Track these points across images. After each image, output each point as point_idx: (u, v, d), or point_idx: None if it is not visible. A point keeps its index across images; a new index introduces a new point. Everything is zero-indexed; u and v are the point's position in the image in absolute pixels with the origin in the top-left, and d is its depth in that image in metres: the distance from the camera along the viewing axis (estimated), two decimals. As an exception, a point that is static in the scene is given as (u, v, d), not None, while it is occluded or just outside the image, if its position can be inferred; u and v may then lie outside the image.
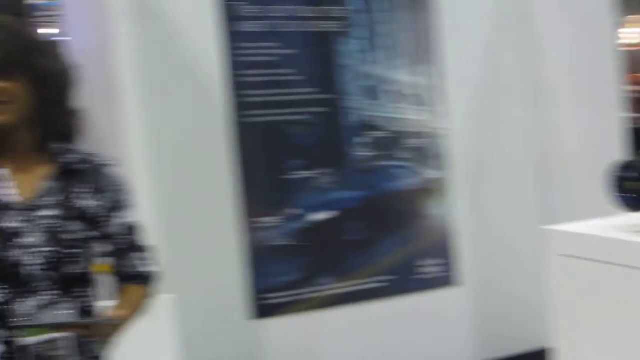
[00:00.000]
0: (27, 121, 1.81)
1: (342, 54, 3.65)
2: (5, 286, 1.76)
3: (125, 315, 1.84)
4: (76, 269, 1.82)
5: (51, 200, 1.83)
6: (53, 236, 1.79)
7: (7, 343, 1.78)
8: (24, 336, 1.76)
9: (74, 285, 1.83)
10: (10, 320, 1.77)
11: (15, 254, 1.74)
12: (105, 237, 1.88)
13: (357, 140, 3.72)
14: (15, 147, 1.83)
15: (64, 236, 1.81)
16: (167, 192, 3.30)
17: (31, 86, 1.80)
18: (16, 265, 1.74)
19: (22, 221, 1.78)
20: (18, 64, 1.79)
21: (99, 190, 1.89)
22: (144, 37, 3.14)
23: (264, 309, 3.61)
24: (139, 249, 1.95)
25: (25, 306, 1.79)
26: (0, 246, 1.73)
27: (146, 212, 3.14)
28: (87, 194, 1.87)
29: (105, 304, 1.90)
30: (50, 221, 1.80)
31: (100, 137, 3.33)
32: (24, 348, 1.77)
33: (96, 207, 1.87)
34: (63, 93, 1.86)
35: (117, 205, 1.91)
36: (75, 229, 1.83)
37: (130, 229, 1.94)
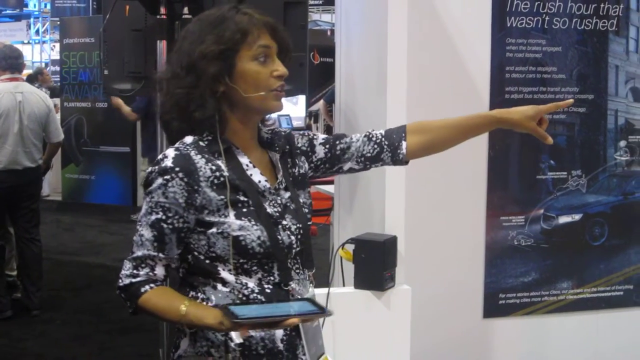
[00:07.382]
0: None
1: (611, 53, 3.51)
2: (275, 270, 1.74)
3: None
4: (309, 242, 1.81)
5: (284, 179, 1.82)
6: (296, 213, 1.79)
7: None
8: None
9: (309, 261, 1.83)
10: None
11: (281, 237, 1.72)
12: None
13: (615, 143, 3.58)
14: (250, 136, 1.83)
15: (303, 211, 1.82)
16: (417, 182, 3.27)
17: None
18: (283, 247, 1.73)
19: (277, 205, 1.77)
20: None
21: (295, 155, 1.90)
22: (417, 27, 3.10)
23: (498, 309, 3.55)
24: None
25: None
26: (269, 231, 1.70)
27: (398, 202, 3.16)
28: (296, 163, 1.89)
29: None
30: (289, 200, 1.80)
31: (366, 123, 3.36)
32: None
33: (305, 172, 1.91)
34: None
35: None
36: (306, 202, 1.85)
37: None
